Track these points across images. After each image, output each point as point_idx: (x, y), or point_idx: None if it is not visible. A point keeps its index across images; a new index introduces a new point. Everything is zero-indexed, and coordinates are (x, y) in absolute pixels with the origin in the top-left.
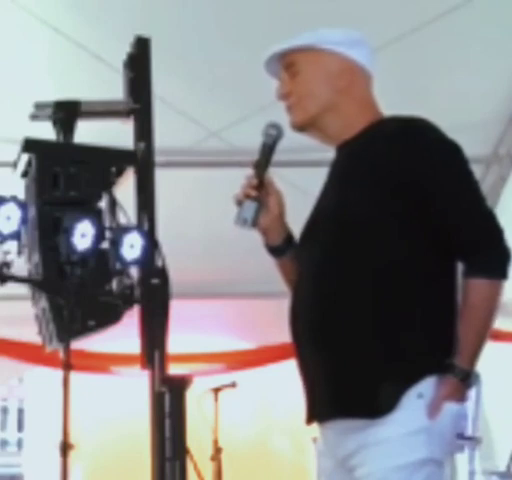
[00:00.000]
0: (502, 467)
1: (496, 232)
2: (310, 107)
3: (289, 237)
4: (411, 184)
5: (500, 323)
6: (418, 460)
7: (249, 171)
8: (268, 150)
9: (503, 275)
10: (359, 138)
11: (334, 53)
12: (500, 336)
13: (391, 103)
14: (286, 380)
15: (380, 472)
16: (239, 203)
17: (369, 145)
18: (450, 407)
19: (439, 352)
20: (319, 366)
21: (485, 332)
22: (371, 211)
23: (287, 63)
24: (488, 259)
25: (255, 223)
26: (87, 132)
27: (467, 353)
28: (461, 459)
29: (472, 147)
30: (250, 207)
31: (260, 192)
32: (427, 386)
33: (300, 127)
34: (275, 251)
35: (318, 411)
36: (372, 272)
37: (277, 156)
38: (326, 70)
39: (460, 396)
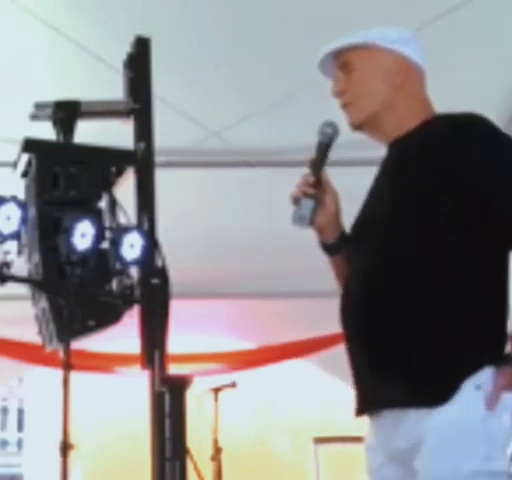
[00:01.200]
0: None
1: None
2: (368, 106)
3: (343, 235)
4: (459, 183)
5: None
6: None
7: (254, 172)
8: (324, 148)
9: None
10: (411, 136)
11: (390, 51)
12: None
13: None
14: (286, 380)
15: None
16: (296, 202)
17: (420, 143)
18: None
19: (496, 344)
20: (372, 358)
21: None
22: (420, 210)
23: (342, 62)
24: None
25: (312, 221)
26: (87, 132)
27: None
28: None
29: None
30: (307, 205)
31: (317, 190)
32: (485, 378)
33: (358, 126)
34: (329, 249)
35: (370, 402)
36: (423, 268)
37: (279, 155)
38: (382, 68)
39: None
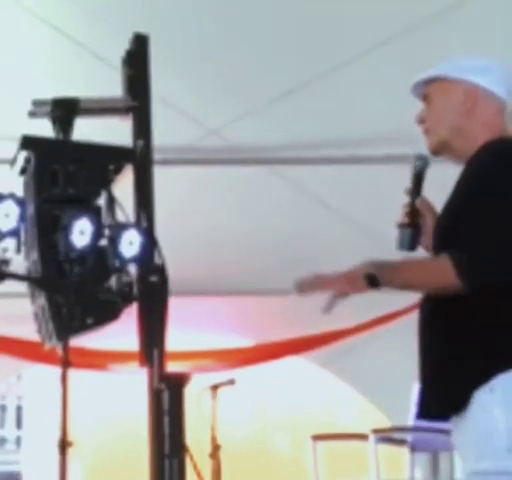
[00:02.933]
0: None
1: (492, 259)
2: (439, 133)
3: None
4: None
5: None
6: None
7: (253, 170)
8: (416, 179)
9: (465, 280)
10: (470, 158)
11: (460, 81)
12: None
13: (387, 104)
14: (285, 377)
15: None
16: (398, 229)
17: (469, 163)
18: None
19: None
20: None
21: (409, 284)
22: (452, 227)
23: (424, 94)
24: (471, 263)
25: (412, 247)
26: (86, 129)
27: (395, 270)
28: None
29: None
30: (405, 233)
31: (415, 218)
32: (498, 381)
33: (434, 151)
34: None
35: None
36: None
37: (277, 153)
38: (452, 98)
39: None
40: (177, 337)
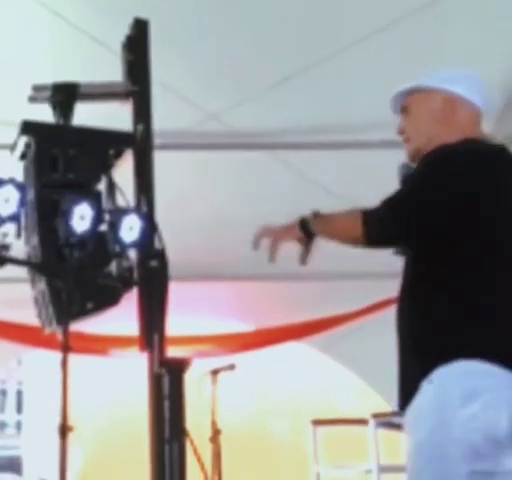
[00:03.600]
0: None
1: (393, 215)
2: (417, 140)
3: None
4: None
5: None
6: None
7: (253, 154)
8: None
9: (366, 236)
10: None
11: (438, 90)
12: None
13: (385, 89)
14: (285, 363)
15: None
16: None
17: None
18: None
19: (451, 348)
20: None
21: (331, 231)
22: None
23: (403, 105)
24: (375, 221)
25: (400, 251)
26: (86, 114)
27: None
28: None
29: None
30: None
31: None
32: (437, 373)
33: (412, 159)
34: None
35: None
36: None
37: (278, 137)
38: (430, 106)
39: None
40: (177, 322)
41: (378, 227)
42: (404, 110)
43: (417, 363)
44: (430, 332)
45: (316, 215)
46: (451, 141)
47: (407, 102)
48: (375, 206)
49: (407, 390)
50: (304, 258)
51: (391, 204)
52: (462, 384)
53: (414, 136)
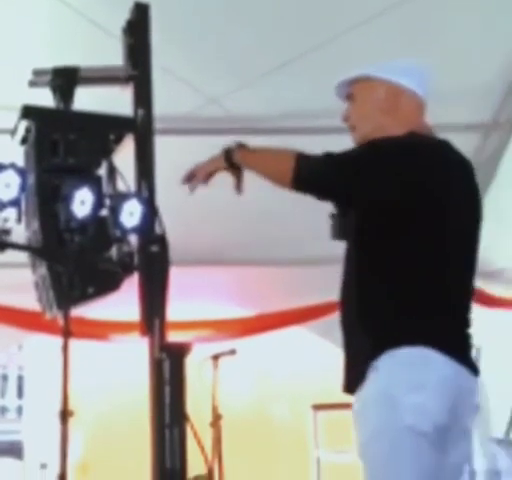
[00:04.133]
0: (497, 433)
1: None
2: (363, 128)
3: None
4: None
5: (496, 290)
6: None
7: (253, 139)
8: None
9: (296, 176)
10: None
11: (383, 80)
12: (497, 302)
13: None
14: (285, 348)
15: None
16: (330, 219)
17: None
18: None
19: (397, 333)
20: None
21: (260, 165)
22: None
23: (348, 93)
24: (312, 165)
25: (343, 236)
26: (86, 99)
27: (251, 152)
28: None
29: (471, 114)
30: (337, 223)
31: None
32: (383, 361)
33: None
34: None
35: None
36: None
37: (278, 122)
38: (375, 96)
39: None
40: (178, 307)
41: (312, 172)
42: (349, 97)
43: (363, 346)
44: (375, 317)
45: (241, 146)
46: (397, 131)
47: (352, 90)
48: (314, 154)
49: (353, 374)
50: (238, 187)
51: (337, 159)
52: (408, 375)
53: (359, 124)
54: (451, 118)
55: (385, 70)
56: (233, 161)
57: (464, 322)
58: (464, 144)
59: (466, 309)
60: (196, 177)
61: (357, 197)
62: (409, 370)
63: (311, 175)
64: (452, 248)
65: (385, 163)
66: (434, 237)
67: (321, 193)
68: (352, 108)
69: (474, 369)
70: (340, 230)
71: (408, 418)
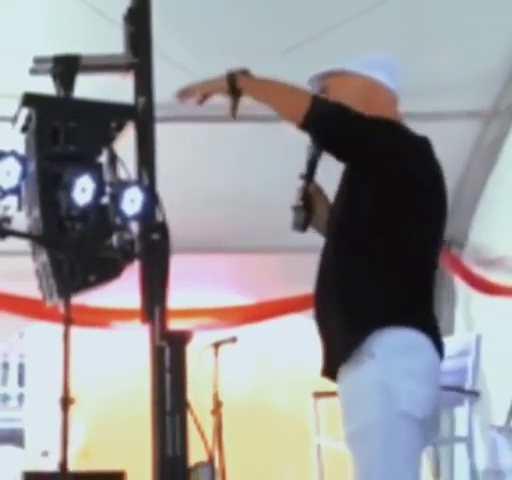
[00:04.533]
0: (498, 421)
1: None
2: None
3: None
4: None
5: (497, 278)
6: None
7: (253, 127)
8: (310, 166)
9: (306, 117)
10: None
11: (359, 75)
12: (498, 290)
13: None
14: (286, 335)
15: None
16: (292, 211)
17: None
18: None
19: (382, 313)
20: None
21: (270, 95)
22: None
23: (323, 86)
24: (319, 106)
25: (305, 227)
26: (87, 87)
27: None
28: (460, 412)
29: (472, 102)
30: (299, 215)
31: (308, 201)
32: (378, 346)
33: None
34: None
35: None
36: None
37: None
38: (351, 91)
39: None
40: (179, 295)
41: (327, 113)
42: (323, 91)
43: (348, 329)
44: (361, 299)
45: (245, 72)
46: None
47: (327, 84)
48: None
49: (335, 357)
50: (233, 112)
51: (354, 113)
52: (403, 362)
53: None
54: (452, 106)
55: (360, 65)
56: (236, 86)
57: (433, 306)
58: (465, 131)
59: (432, 294)
60: (192, 95)
61: (363, 154)
62: (403, 357)
63: (325, 115)
64: (433, 236)
65: (400, 138)
66: (422, 225)
67: (329, 136)
68: None
69: (442, 354)
70: (301, 222)
71: (403, 404)
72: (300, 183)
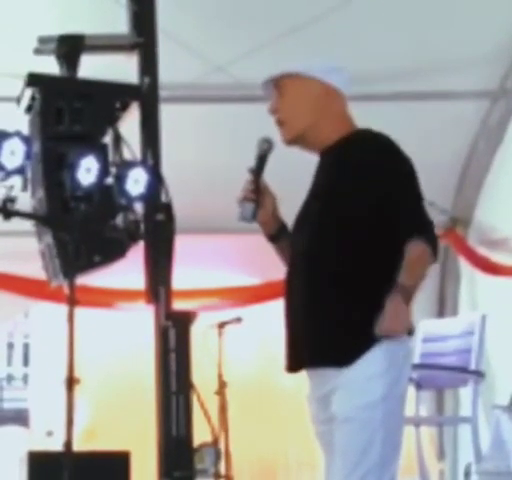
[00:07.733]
0: (502, 401)
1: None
2: (296, 126)
3: (283, 227)
4: (373, 180)
5: (501, 258)
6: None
7: (259, 107)
8: (260, 161)
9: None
10: (337, 146)
11: (315, 79)
12: (501, 271)
13: (396, 40)
14: None
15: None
16: (240, 203)
17: (345, 150)
18: (401, 350)
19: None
20: (306, 326)
21: (418, 274)
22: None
23: (278, 84)
24: (431, 240)
25: (253, 220)
26: (91, 66)
27: (408, 277)
28: (464, 392)
29: (478, 82)
30: (248, 208)
31: (257, 194)
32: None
33: (289, 142)
34: (271, 239)
35: (300, 362)
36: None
37: None
38: (308, 94)
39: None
40: (183, 275)
41: (434, 238)
42: (279, 88)
43: (349, 318)
44: (361, 289)
45: (402, 287)
46: (330, 130)
47: (283, 83)
48: (419, 217)
49: (328, 344)
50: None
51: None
52: (405, 346)
53: (291, 121)
54: (459, 86)
55: (315, 69)
56: (412, 298)
57: None
58: (472, 111)
59: None
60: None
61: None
62: (403, 343)
63: (434, 238)
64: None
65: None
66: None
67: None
68: (281, 103)
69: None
70: (250, 215)
71: (402, 388)
72: (248, 177)
